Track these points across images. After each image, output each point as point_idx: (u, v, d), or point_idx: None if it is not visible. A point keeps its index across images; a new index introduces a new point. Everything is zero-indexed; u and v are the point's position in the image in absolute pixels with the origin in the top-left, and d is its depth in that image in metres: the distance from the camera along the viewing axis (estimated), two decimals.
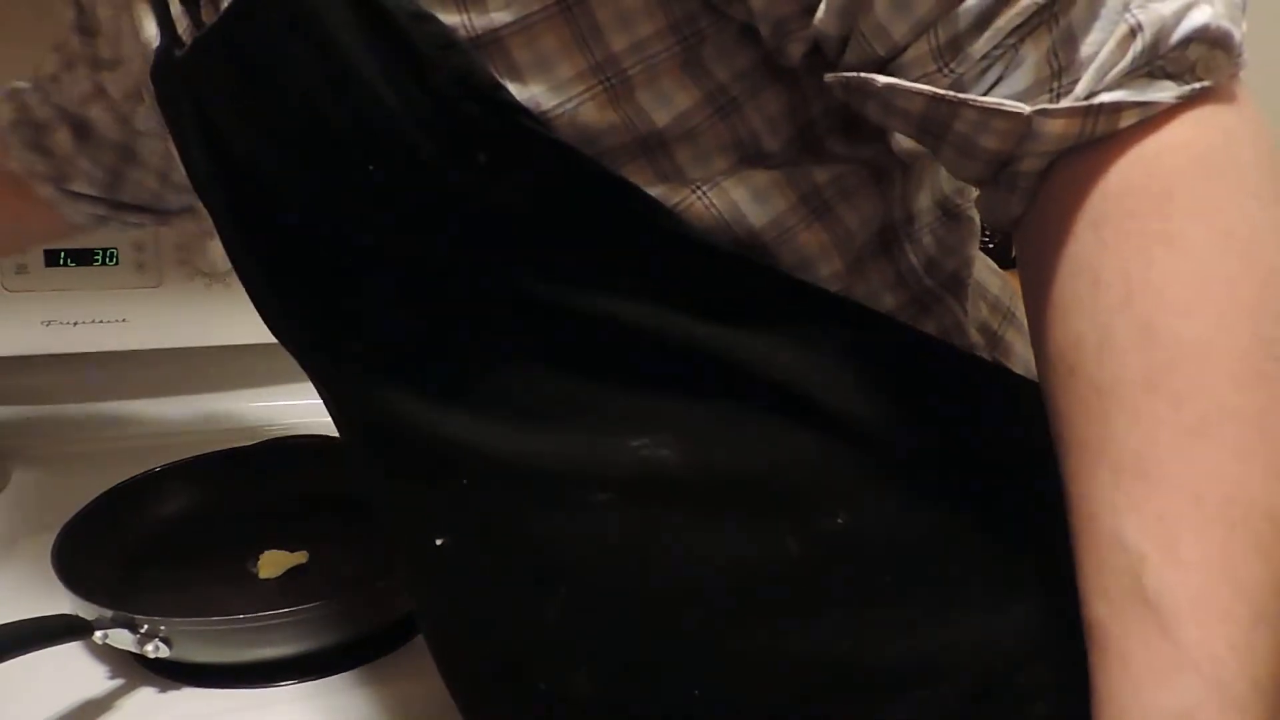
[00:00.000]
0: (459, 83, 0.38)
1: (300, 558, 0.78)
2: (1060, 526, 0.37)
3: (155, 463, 0.86)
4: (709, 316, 0.41)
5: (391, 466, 0.48)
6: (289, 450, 0.91)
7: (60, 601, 0.67)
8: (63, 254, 0.99)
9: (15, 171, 0.75)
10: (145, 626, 0.64)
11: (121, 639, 0.64)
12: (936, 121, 0.37)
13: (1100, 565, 0.35)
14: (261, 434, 0.93)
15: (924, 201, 0.47)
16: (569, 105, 0.39)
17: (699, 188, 0.41)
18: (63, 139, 0.72)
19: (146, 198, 0.76)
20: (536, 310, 0.41)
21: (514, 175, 0.39)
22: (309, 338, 0.49)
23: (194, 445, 0.90)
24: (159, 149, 0.72)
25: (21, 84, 0.74)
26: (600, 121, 0.39)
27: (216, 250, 1.01)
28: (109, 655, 0.68)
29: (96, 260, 1.00)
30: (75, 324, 1.01)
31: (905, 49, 0.36)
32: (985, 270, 0.49)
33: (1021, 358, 0.48)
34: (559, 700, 0.46)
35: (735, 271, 0.41)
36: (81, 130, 0.72)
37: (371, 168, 0.39)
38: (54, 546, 0.72)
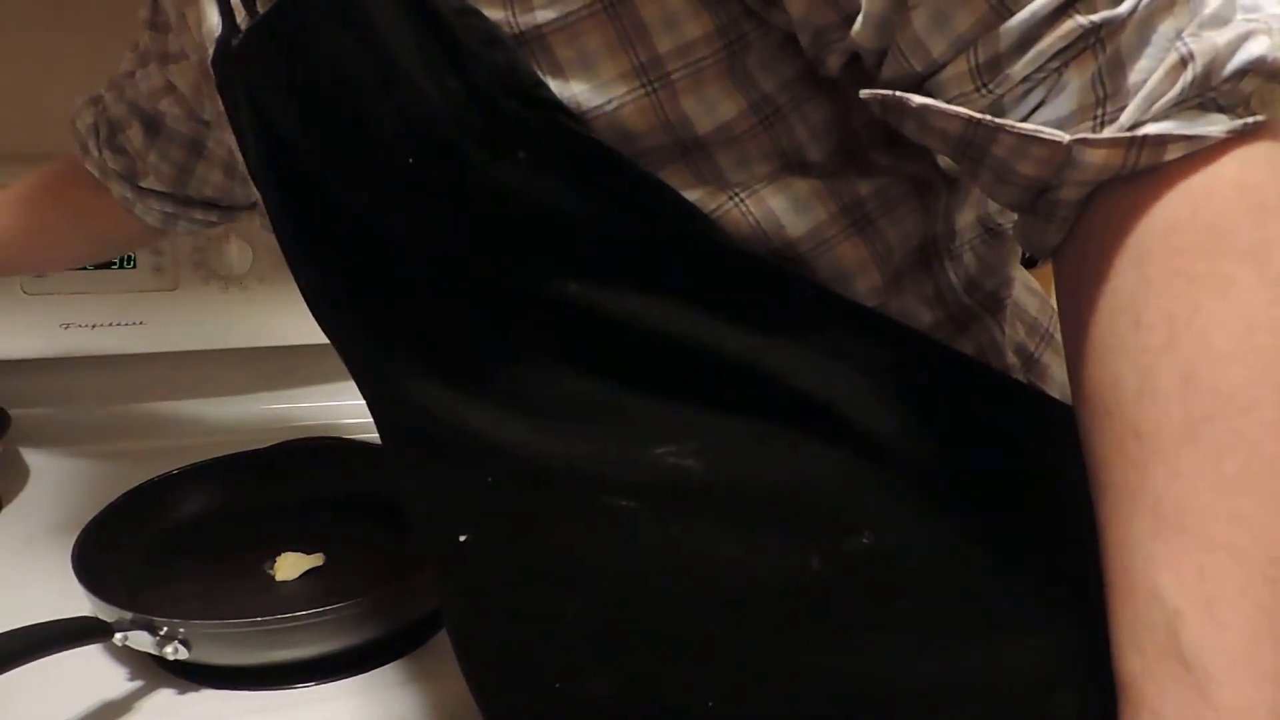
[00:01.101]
0: (501, 79, 0.37)
1: (317, 560, 0.78)
2: (1090, 559, 0.36)
3: (172, 465, 0.86)
4: (741, 326, 0.40)
5: (421, 460, 0.48)
6: (305, 452, 0.91)
7: (80, 604, 0.67)
8: None
9: (92, 172, 0.77)
10: (164, 629, 0.64)
11: (141, 641, 0.64)
12: (973, 145, 0.35)
13: (1135, 619, 0.34)
14: (278, 436, 0.93)
15: (967, 218, 0.45)
16: (610, 106, 0.38)
17: (737, 194, 0.40)
18: (135, 135, 0.74)
19: (212, 192, 0.77)
20: (568, 310, 0.41)
21: (552, 173, 0.39)
22: (349, 326, 0.49)
23: (211, 448, 0.90)
24: (225, 142, 0.73)
25: (104, 92, 0.76)
26: (641, 124, 0.39)
27: (233, 254, 1.01)
28: (128, 657, 0.68)
29: (114, 264, 1.00)
30: (93, 327, 1.01)
31: (943, 67, 0.34)
32: (1024, 291, 0.48)
33: (1058, 381, 0.47)
34: (574, 701, 0.45)
35: (770, 282, 0.41)
36: (152, 126, 0.74)
37: (411, 160, 0.39)
38: (74, 549, 0.72)
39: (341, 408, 1.10)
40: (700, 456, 0.41)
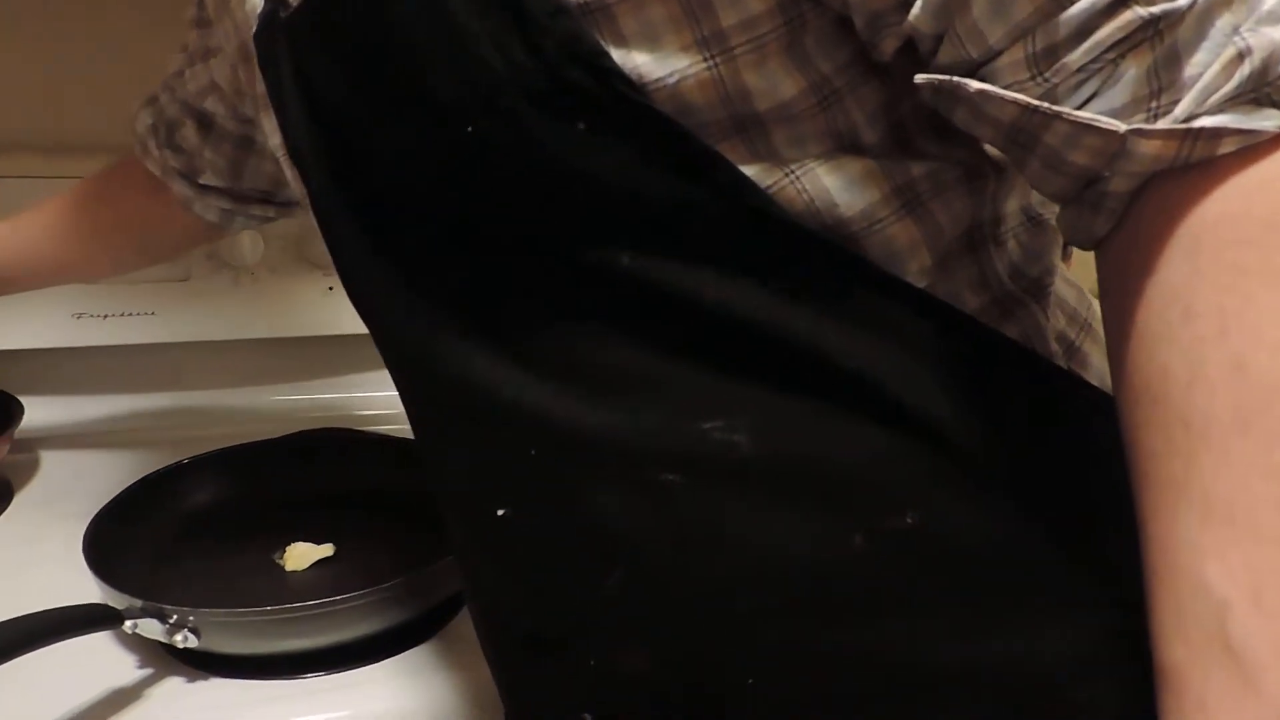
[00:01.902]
0: (566, 48, 0.37)
1: (327, 550, 0.77)
2: (1127, 548, 0.36)
3: (183, 455, 0.86)
4: (794, 302, 0.40)
5: (459, 432, 0.48)
6: (316, 443, 0.90)
7: (90, 591, 0.66)
8: None
9: (154, 172, 0.79)
10: (174, 617, 0.63)
11: (151, 629, 0.64)
12: (1026, 133, 0.35)
13: (1180, 608, 0.33)
14: (288, 427, 0.93)
15: (1012, 206, 0.45)
16: (671, 79, 0.38)
17: (792, 172, 0.40)
18: (189, 133, 0.75)
19: (266, 183, 0.79)
20: (620, 282, 0.40)
21: (611, 144, 0.39)
22: (389, 296, 0.48)
23: (222, 438, 0.90)
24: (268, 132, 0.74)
25: (159, 93, 0.78)
26: (701, 98, 0.38)
27: (244, 245, 1.01)
28: (138, 644, 0.68)
29: None
30: (105, 317, 1.01)
31: (1000, 54, 0.34)
32: (1062, 282, 0.48)
33: (1097, 370, 0.46)
34: (608, 678, 0.45)
35: (824, 259, 0.40)
36: (204, 123, 0.75)
37: (470, 129, 0.39)
38: (85, 537, 0.71)
39: (352, 399, 1.10)
40: (748, 432, 0.41)
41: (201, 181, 0.78)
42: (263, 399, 1.08)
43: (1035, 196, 0.47)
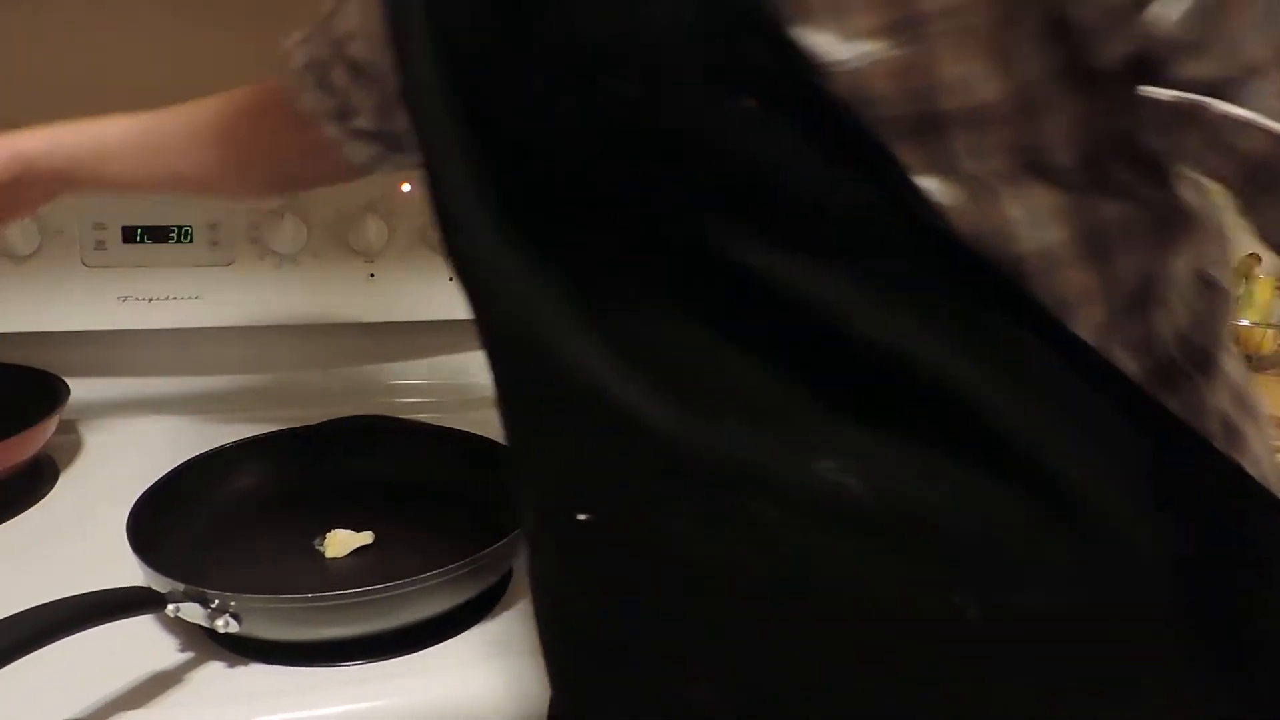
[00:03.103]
0: (745, 13, 0.34)
1: (366, 538, 0.77)
2: (1265, 658, 0.32)
3: (226, 439, 0.86)
4: (946, 339, 0.36)
5: (548, 425, 0.45)
6: (358, 430, 0.90)
7: (134, 573, 0.67)
8: (139, 231, 1.00)
9: (304, 113, 0.75)
10: (216, 601, 0.63)
11: (192, 613, 0.64)
12: (1275, 169, 0.31)
13: None
14: (330, 413, 0.93)
15: (1186, 264, 0.40)
16: (854, 64, 0.34)
17: (971, 190, 0.35)
18: (339, 75, 0.73)
19: None
20: (757, 287, 0.36)
21: (780, 127, 0.35)
22: (500, 268, 0.44)
23: (264, 422, 0.90)
24: None
25: (310, 33, 0.75)
26: (885, 88, 0.34)
27: (288, 230, 1.01)
28: (180, 628, 0.68)
29: (172, 238, 1.01)
30: (150, 300, 1.02)
31: (1253, 72, 0.30)
32: (1227, 356, 0.43)
33: (1254, 456, 0.42)
34: (674, 704, 0.43)
35: (988, 294, 0.36)
36: (354, 65, 0.72)
37: (619, 88, 0.36)
38: (128, 519, 0.71)
39: (395, 386, 1.10)
40: (864, 477, 0.37)
41: (354, 125, 0.74)
42: (305, 384, 1.08)
43: (1210, 259, 0.41)
